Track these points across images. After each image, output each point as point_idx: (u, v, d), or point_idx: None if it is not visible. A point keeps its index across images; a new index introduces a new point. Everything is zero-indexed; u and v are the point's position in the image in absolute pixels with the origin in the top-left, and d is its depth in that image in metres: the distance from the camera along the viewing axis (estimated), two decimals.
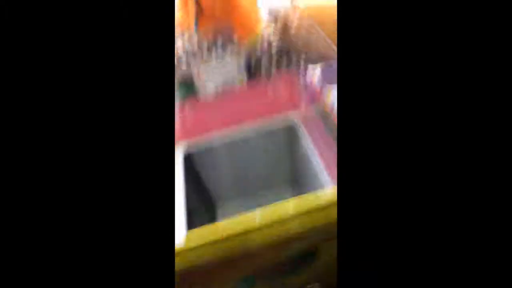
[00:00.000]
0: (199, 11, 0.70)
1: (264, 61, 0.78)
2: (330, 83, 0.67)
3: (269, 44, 0.76)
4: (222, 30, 0.75)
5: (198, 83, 0.78)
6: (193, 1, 0.71)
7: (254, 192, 1.00)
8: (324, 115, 0.72)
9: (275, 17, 0.79)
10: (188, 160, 0.87)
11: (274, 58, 0.78)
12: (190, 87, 0.80)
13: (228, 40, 0.75)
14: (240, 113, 0.82)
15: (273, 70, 0.78)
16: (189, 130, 0.83)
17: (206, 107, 0.81)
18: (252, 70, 0.80)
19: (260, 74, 0.79)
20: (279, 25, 0.74)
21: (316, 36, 0.66)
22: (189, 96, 0.80)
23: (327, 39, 0.64)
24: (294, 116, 0.83)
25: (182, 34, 0.79)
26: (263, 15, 0.78)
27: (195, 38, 0.77)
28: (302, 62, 0.73)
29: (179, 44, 0.78)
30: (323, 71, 0.68)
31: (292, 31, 0.71)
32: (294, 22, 0.70)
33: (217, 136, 0.85)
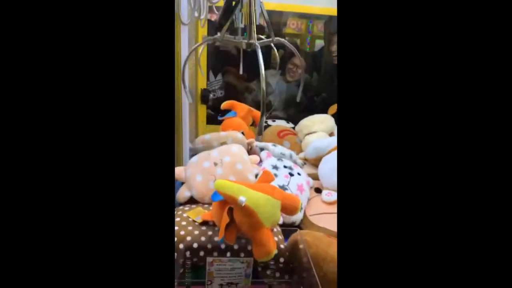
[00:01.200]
0: (230, 222, 0.82)
1: (270, 271, 0.90)
2: None
3: (277, 258, 0.88)
4: (242, 239, 0.87)
5: (207, 272, 0.86)
6: (227, 211, 0.82)
7: None
8: None
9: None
10: None
11: (279, 266, 0.90)
12: (198, 274, 0.88)
13: (243, 247, 0.87)
14: None
15: (275, 279, 0.90)
16: None
17: None
18: (259, 272, 0.91)
19: (264, 280, 0.90)
20: (289, 243, 0.88)
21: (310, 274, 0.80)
22: (195, 282, 0.88)
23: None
24: None
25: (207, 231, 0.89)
26: (280, 242, 0.91)
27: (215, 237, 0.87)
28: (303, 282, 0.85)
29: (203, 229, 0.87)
30: None
31: (299, 251, 0.84)
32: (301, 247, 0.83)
33: None
